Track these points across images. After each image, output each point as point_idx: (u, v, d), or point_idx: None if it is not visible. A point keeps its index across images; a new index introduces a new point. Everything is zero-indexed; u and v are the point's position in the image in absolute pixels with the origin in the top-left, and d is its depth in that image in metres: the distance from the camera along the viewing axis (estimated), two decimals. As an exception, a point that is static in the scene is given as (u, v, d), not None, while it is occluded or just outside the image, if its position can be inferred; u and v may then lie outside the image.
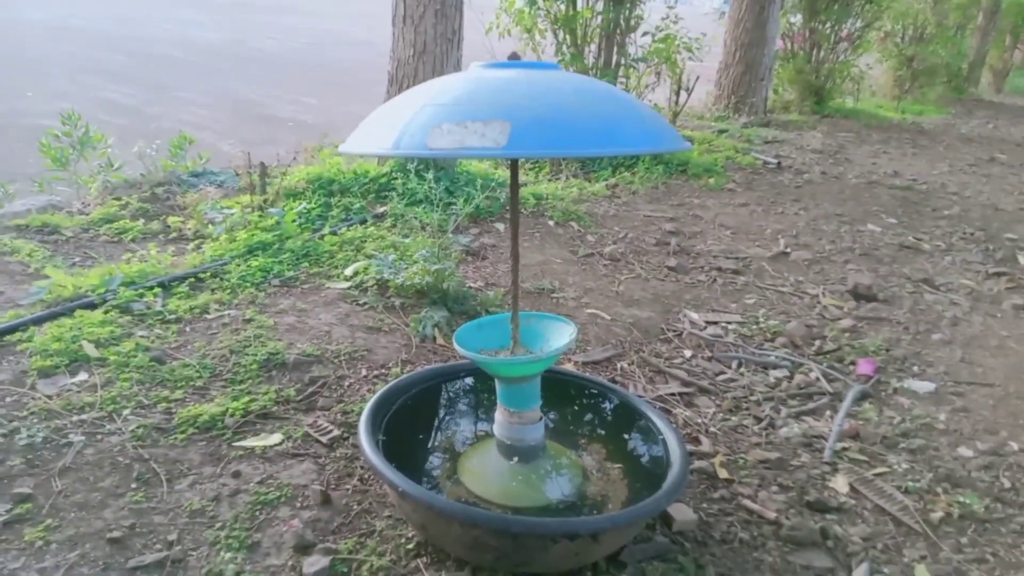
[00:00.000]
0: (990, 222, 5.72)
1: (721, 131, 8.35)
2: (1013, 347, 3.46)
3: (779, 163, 7.00)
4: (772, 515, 2.14)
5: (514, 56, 1.82)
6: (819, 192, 6.21)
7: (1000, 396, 2.98)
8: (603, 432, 2.26)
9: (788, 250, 4.61)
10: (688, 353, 3.18)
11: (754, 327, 3.47)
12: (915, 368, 3.19)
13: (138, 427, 2.24)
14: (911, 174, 7.39)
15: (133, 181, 4.88)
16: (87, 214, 4.37)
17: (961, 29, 17.10)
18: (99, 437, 2.20)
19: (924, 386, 3.02)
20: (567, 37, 6.91)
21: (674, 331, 3.38)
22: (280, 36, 18.47)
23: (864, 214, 5.62)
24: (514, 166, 1.86)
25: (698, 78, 8.81)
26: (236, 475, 2.10)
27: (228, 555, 1.78)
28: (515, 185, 1.87)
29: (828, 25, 11.05)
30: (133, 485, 2.02)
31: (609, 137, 1.52)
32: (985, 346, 3.46)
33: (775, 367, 3.11)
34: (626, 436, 2.21)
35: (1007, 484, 2.39)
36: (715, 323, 3.49)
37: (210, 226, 3.93)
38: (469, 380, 2.40)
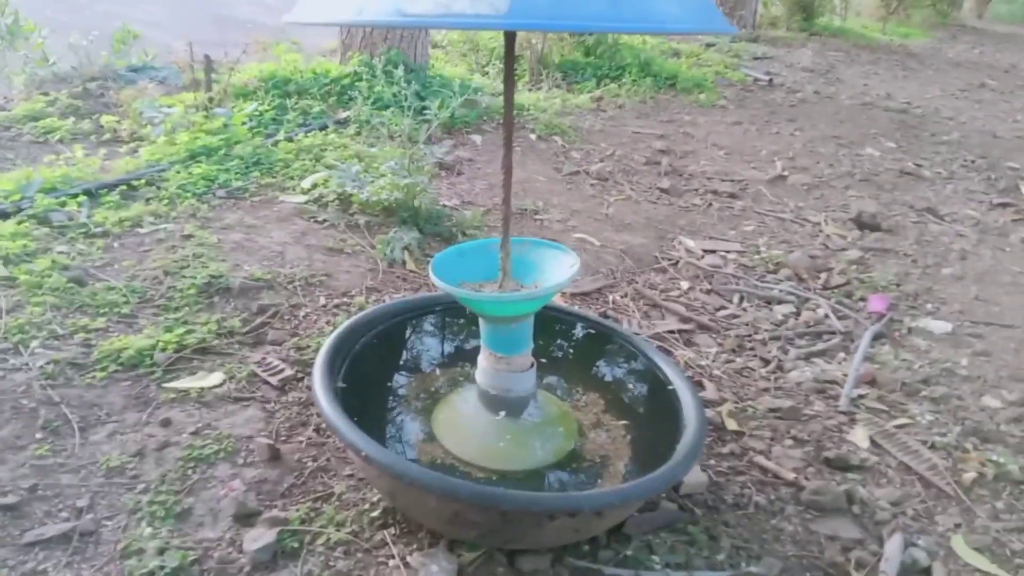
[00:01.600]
0: (990, 149, 5.44)
1: (709, 45, 7.88)
2: (1026, 284, 3.22)
3: (771, 80, 6.61)
4: (790, 475, 1.88)
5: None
6: (814, 112, 5.85)
7: (1021, 338, 2.74)
8: (601, 380, 1.95)
9: (786, 173, 4.28)
10: (685, 285, 2.87)
11: (755, 257, 3.17)
12: (929, 306, 2.93)
13: (49, 362, 1.87)
14: (904, 97, 7.06)
15: (63, 75, 4.33)
16: (9, 110, 3.85)
17: (949, -51, 16.52)
18: (0, 374, 1.83)
19: (940, 326, 2.76)
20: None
21: (669, 260, 3.06)
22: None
23: (861, 137, 5.29)
24: (510, 45, 1.46)
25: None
26: (165, 424, 1.76)
27: (150, 528, 1.46)
28: (510, 69, 1.48)
29: (821, -64, 10.46)
30: (38, 435, 1.67)
31: (641, 9, 1.14)
32: (998, 282, 3.21)
33: (780, 302, 2.82)
34: (629, 384, 1.91)
35: (1039, 440, 2.16)
36: (713, 252, 3.18)
37: (147, 127, 3.46)
38: (446, 316, 2.06)
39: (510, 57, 1.45)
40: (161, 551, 1.41)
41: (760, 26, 9.99)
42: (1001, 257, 3.51)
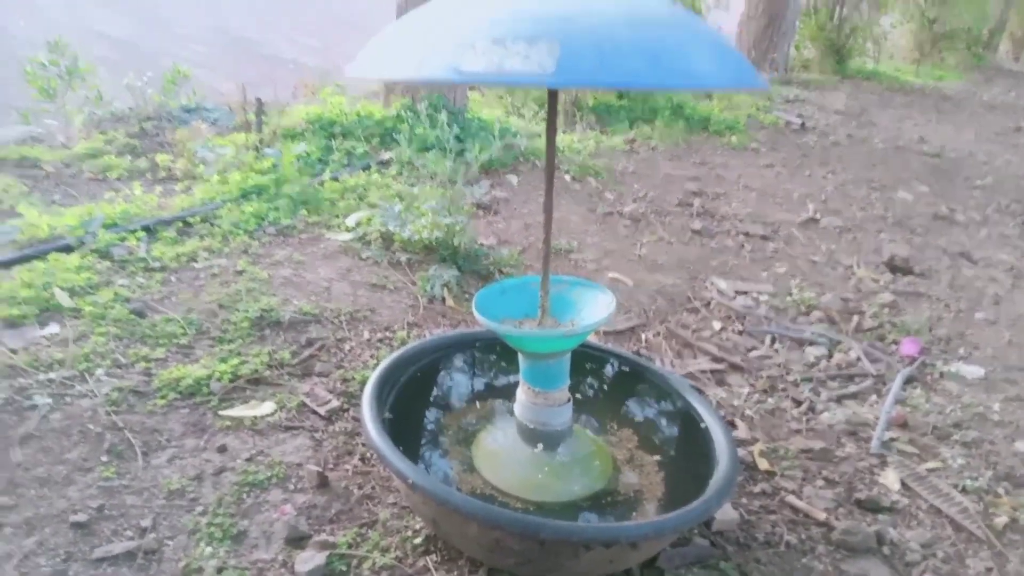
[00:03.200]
0: (1025, 194, 5.44)
1: (741, 87, 7.98)
2: (1061, 330, 3.21)
3: (803, 123, 6.67)
4: (821, 515, 1.91)
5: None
6: (846, 155, 5.90)
7: (1055, 385, 2.74)
8: (634, 416, 2.02)
9: (818, 216, 4.33)
10: (717, 325, 2.93)
11: (787, 299, 3.22)
12: (961, 350, 2.95)
13: (113, 390, 1.99)
14: (938, 140, 7.07)
15: (120, 115, 4.56)
16: (70, 148, 4.06)
17: (986, -9, 16.55)
18: (68, 400, 1.94)
19: (973, 371, 2.78)
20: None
21: (701, 300, 3.13)
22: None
23: (895, 180, 5.33)
24: (552, 100, 1.57)
25: (720, 28, 8.42)
26: (222, 450, 1.86)
27: (210, 548, 1.55)
28: (552, 121, 1.58)
29: (854, -19, 10.58)
30: (104, 458, 1.78)
31: (677, 67, 1.23)
32: (1032, 328, 3.22)
33: (812, 344, 2.87)
34: (662, 421, 1.97)
35: (1072, 485, 2.17)
36: (745, 293, 3.23)
37: (201, 166, 3.63)
38: (487, 351, 2.14)
39: (552, 113, 1.56)
40: (219, 571, 1.50)
41: (793, 69, 10.09)
42: (1036, 302, 3.51)
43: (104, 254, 2.71)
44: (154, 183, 3.62)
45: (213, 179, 3.46)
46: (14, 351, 2.09)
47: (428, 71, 1.22)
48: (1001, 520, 1.99)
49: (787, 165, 5.40)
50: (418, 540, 1.65)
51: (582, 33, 1.18)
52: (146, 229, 2.95)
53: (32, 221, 2.79)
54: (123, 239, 2.83)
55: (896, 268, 3.67)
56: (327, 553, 1.57)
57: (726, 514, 1.81)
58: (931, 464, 2.22)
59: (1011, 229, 4.60)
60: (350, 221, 3.23)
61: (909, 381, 2.67)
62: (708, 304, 3.10)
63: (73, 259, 2.61)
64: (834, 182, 5.10)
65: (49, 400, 1.92)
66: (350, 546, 1.61)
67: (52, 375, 2.01)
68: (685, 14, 1.40)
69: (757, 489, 2.00)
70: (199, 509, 1.66)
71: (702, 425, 1.82)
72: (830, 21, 10.70)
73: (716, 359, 2.67)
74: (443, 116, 3.53)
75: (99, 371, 2.06)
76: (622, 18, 1.24)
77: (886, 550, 1.83)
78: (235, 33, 10.94)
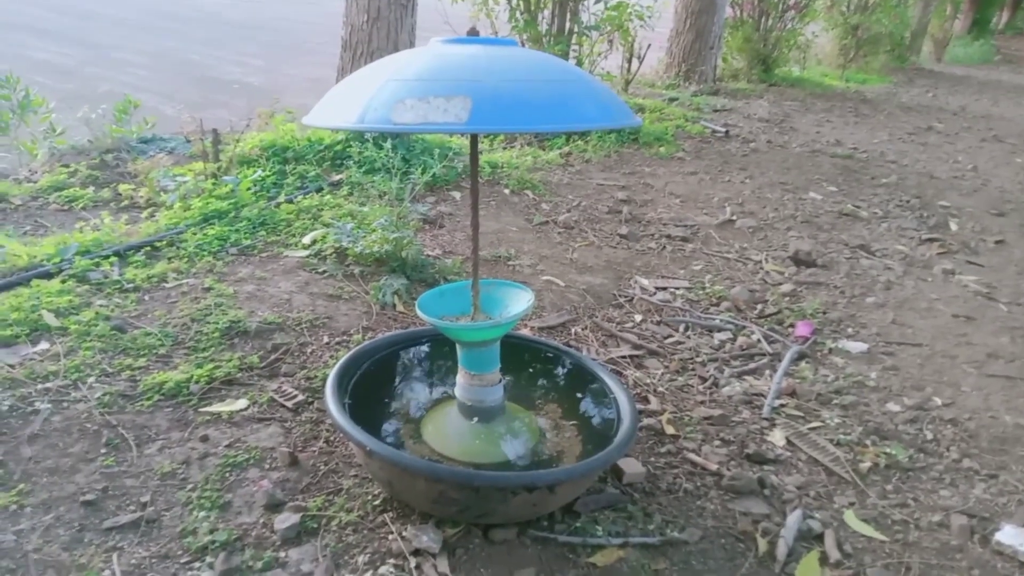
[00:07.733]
0: (925, 190, 5.98)
1: (672, 99, 8.47)
2: (941, 309, 3.68)
3: (727, 132, 7.16)
4: (714, 467, 2.30)
5: (473, 32, 1.88)
6: (764, 161, 6.39)
7: (927, 355, 3.19)
8: (558, 393, 2.38)
9: (734, 218, 4.77)
10: (638, 318, 3.32)
11: (700, 292, 3.63)
12: (849, 330, 3.38)
13: (104, 394, 2.28)
14: (852, 142, 7.62)
15: (81, 148, 4.79)
16: (35, 182, 4.29)
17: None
18: (65, 404, 2.23)
19: (857, 346, 3.21)
20: (520, 3, 6.91)
21: (625, 297, 3.51)
22: (224, -5, 17.95)
23: (806, 182, 5.82)
24: (473, 139, 1.93)
25: (649, 46, 8.90)
26: (204, 439, 2.16)
27: (201, 514, 1.86)
28: (475, 158, 1.94)
29: (776, -6, 11.20)
30: (103, 450, 2.07)
31: (566, 113, 1.60)
32: (915, 308, 3.67)
33: (719, 330, 3.27)
34: (579, 396, 2.34)
35: (929, 436, 2.59)
36: (664, 289, 3.63)
37: (163, 194, 3.90)
38: (430, 345, 2.48)
39: (474, 148, 1.92)
40: (211, 531, 1.81)
41: (722, 79, 10.65)
42: (922, 287, 3.98)
43: (82, 278, 2.98)
44: (119, 211, 3.88)
45: (175, 206, 3.74)
46: (12, 366, 2.37)
47: (369, 123, 1.56)
48: (865, 465, 2.39)
49: (709, 172, 5.86)
50: (377, 502, 1.98)
51: (490, 90, 1.54)
52: (117, 254, 3.22)
53: (12, 251, 3.05)
54: (97, 264, 3.10)
55: (800, 261, 4.11)
56: (300, 515, 1.89)
57: (635, 468, 2.18)
58: (813, 424, 2.62)
59: (909, 222, 5.10)
60: (306, 239, 3.55)
61: (801, 357, 3.08)
62: (631, 300, 3.49)
63: (54, 284, 2.87)
64: (751, 186, 5.57)
65: (49, 405, 2.21)
66: (320, 509, 1.93)
67: (49, 384, 2.30)
68: (575, 71, 1.77)
69: (663, 449, 2.38)
70: (189, 486, 1.97)
71: (611, 396, 2.19)
72: (756, 32, 11.32)
73: (636, 346, 3.05)
74: (388, 142, 3.86)
75: (90, 379, 2.35)
76: (522, 78, 1.60)
77: (766, 491, 2.22)
78: (176, 56, 11.07)
